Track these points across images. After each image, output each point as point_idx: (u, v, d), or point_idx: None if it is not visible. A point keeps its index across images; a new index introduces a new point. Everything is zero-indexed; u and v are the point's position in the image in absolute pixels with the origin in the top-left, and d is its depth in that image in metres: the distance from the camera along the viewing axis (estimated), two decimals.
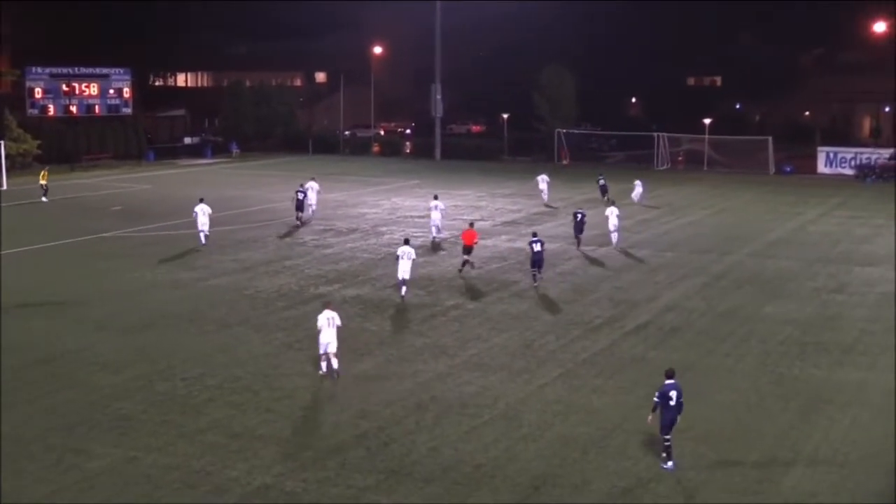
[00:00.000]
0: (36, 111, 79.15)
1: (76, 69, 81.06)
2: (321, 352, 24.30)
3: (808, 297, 33.39)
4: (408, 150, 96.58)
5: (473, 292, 33.79)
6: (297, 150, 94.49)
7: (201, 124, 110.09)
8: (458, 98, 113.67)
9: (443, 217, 44.66)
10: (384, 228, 47.56)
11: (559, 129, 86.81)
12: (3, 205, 54.09)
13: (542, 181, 58.10)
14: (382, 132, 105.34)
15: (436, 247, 42.69)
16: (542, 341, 27.69)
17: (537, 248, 34.68)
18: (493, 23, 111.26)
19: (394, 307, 31.48)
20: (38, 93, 79.11)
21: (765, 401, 22.95)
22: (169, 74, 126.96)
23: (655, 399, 19.04)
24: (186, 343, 27.34)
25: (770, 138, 78.90)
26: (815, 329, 29.24)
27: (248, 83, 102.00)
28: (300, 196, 48.85)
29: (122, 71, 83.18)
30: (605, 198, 55.11)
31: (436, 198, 45.30)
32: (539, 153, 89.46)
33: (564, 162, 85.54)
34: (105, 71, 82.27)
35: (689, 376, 24.30)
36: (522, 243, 43.22)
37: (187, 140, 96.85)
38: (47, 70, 79.81)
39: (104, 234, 45.45)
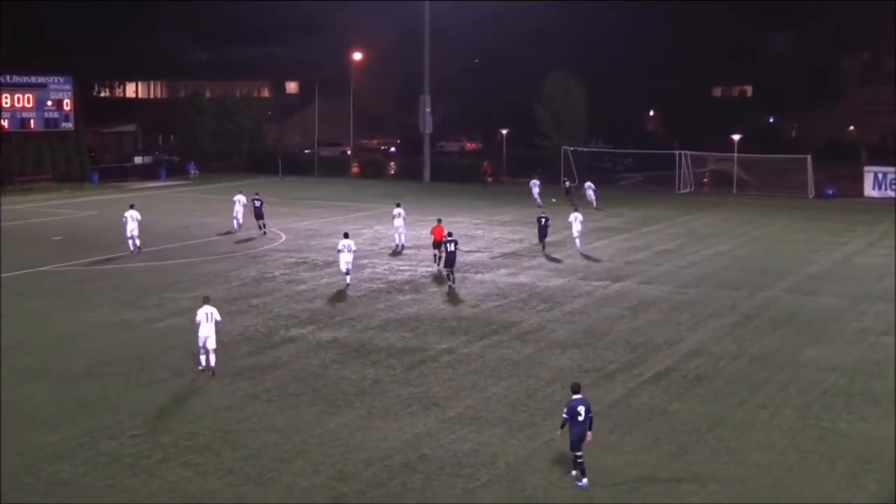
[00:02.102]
0: None
1: (7, 77, 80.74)
2: (199, 345, 28.65)
3: (855, 340, 33.41)
4: (392, 171, 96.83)
5: (469, 334, 33.76)
6: (265, 170, 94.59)
7: (154, 141, 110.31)
8: (450, 111, 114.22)
9: (405, 224, 50.76)
10: (365, 261, 47.53)
11: (565, 147, 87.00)
12: None
13: (535, 186, 59.51)
14: (349, 150, 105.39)
15: (396, 253, 49.32)
16: (547, 391, 27.63)
17: (451, 248, 41.11)
18: (490, 25, 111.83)
19: (376, 351, 31.43)
20: None
21: (806, 460, 22.91)
22: (117, 84, 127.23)
23: (564, 415, 21.21)
24: (136, 394, 27.21)
25: (809, 157, 79.31)
26: (862, 376, 29.23)
27: (208, 94, 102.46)
28: (256, 203, 53.29)
29: (61, 79, 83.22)
30: (569, 198, 65.05)
31: (398, 206, 51.27)
32: (542, 174, 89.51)
33: (489, 179, 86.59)
34: (42, 80, 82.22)
35: (717, 432, 24.30)
36: (526, 278, 43.38)
37: (138, 160, 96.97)
38: None
39: (42, 269, 45.35)
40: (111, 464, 22.33)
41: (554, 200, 69.18)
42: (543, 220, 50.94)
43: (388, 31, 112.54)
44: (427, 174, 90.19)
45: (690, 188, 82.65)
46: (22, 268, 45.14)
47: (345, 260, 41.41)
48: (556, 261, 47.69)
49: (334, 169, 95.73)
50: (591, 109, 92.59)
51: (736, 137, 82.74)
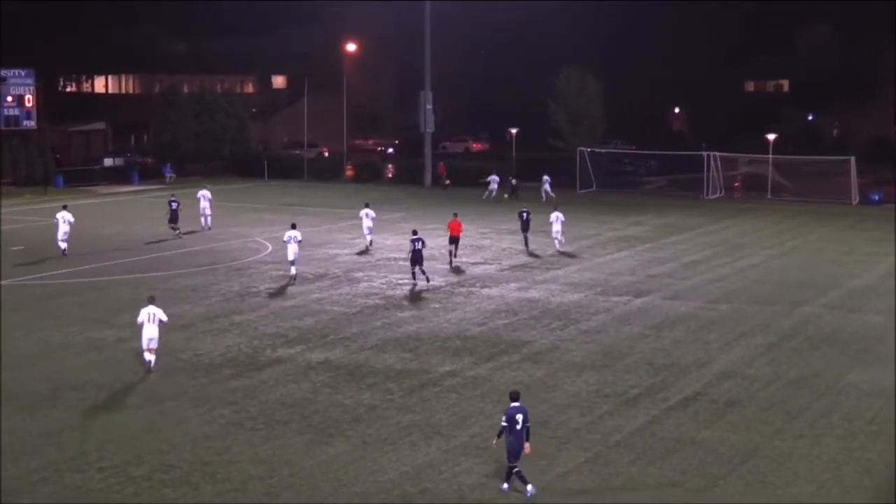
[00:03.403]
0: None
1: None
2: (144, 347, 30.96)
3: None
4: (390, 175, 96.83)
5: (475, 355, 33.74)
6: (248, 174, 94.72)
7: (126, 141, 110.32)
8: (454, 109, 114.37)
9: (373, 224, 55.75)
10: (360, 274, 47.56)
11: (582, 148, 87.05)
12: None
13: (493, 181, 66.93)
14: (327, 153, 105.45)
15: (363, 252, 53.56)
16: (562, 418, 27.60)
17: (418, 246, 44.42)
18: (498, 15, 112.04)
19: (372, 374, 31.41)
20: None
21: (850, 495, 22.86)
22: (85, 78, 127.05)
23: (503, 423, 22.37)
24: (105, 421, 27.18)
25: (853, 158, 79.40)
26: None
27: (186, 89, 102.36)
28: (173, 206, 57.39)
29: (22, 73, 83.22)
30: (515, 196, 76.22)
31: (367, 206, 55.88)
32: (556, 178, 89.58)
33: (447, 182, 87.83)
34: (1, 73, 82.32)
35: (751, 464, 24.26)
36: (538, 292, 43.41)
37: (108, 161, 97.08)
38: None
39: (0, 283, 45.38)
40: (77, 498, 22.30)
41: (506, 196, 76.94)
42: (525, 214, 55.12)
43: (384, 20, 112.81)
44: (428, 177, 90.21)
45: (720, 193, 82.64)
46: None
47: (292, 251, 45.46)
48: (554, 266, 47.71)
49: (326, 172, 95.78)
50: (610, 107, 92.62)
51: (771, 137, 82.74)
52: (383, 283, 45.47)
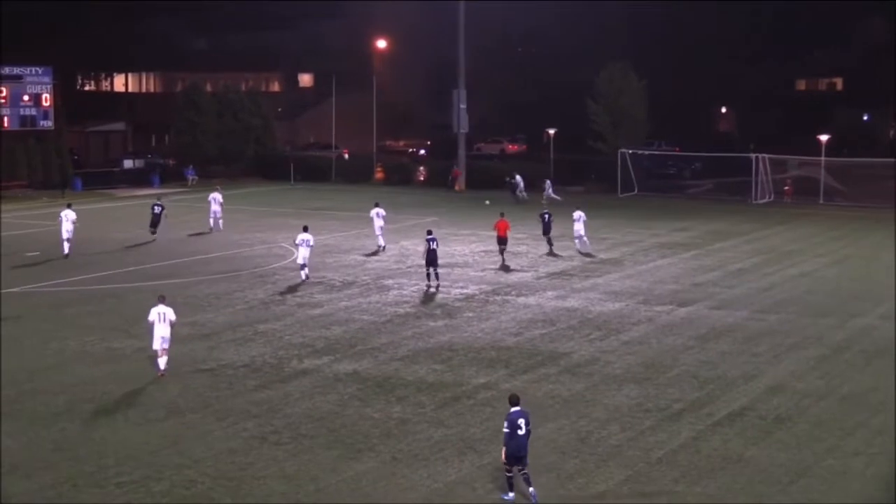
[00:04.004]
0: None
1: None
2: (154, 347, 31.81)
3: None
4: (421, 177, 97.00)
5: (510, 367, 33.72)
6: (274, 176, 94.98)
7: (147, 142, 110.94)
8: (489, 108, 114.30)
9: (385, 223, 56.94)
10: (390, 281, 47.63)
11: (623, 150, 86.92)
12: None
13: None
14: (347, 154, 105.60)
15: (375, 252, 55.14)
16: (602, 433, 27.55)
17: (433, 245, 46.00)
18: (536, 10, 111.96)
19: (403, 386, 31.42)
20: None
21: None
22: (104, 76, 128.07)
23: (505, 430, 22.76)
24: (123, 435, 27.28)
25: None
26: None
27: (209, 88, 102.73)
28: (156, 210, 58.67)
29: (40, 70, 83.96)
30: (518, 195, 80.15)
31: (377, 205, 57.19)
32: (596, 181, 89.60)
33: (457, 188, 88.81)
34: (17, 70, 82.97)
35: (802, 483, 24.13)
36: (576, 301, 43.37)
37: (128, 163, 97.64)
38: None
39: (13, 290, 45.58)
40: None
41: (487, 202, 74.93)
42: (547, 216, 56.20)
43: (415, 14, 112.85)
44: (462, 180, 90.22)
45: (769, 197, 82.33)
46: None
47: (302, 255, 47.10)
48: (593, 274, 47.65)
49: (355, 174, 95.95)
50: (653, 107, 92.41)
51: (823, 138, 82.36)
52: (414, 291, 45.53)
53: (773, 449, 26.45)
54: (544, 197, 78.93)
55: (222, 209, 63.85)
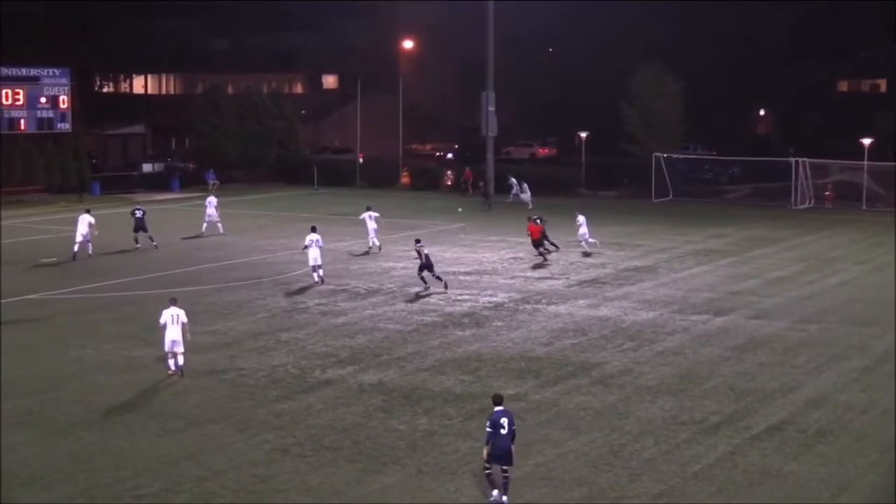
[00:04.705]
0: None
1: None
2: (167, 350, 32.74)
3: None
4: (449, 182, 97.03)
5: (540, 378, 33.68)
6: (297, 180, 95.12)
7: (166, 146, 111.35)
8: (519, 111, 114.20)
9: (378, 226, 58.01)
10: (417, 289, 47.63)
11: (658, 154, 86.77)
12: None
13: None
14: (362, 158, 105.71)
15: (365, 254, 56.70)
16: (635, 447, 27.48)
17: (426, 250, 47.38)
18: (567, 10, 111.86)
19: (429, 398, 31.42)
20: None
21: None
22: (123, 78, 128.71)
23: (488, 429, 23.36)
24: (142, 446, 27.36)
25: None
26: None
27: (230, 90, 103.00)
28: (138, 214, 58.71)
29: (57, 72, 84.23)
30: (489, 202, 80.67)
31: (369, 209, 58.45)
32: (628, 185, 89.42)
33: (470, 192, 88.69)
34: (34, 72, 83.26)
35: (844, 499, 24.05)
36: (609, 310, 43.31)
37: (147, 167, 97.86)
38: None
39: (30, 297, 45.84)
40: None
41: (460, 210, 76.82)
42: (538, 221, 56.56)
43: (443, 15, 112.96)
44: (491, 186, 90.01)
45: (810, 203, 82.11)
46: (7, 296, 45.56)
47: (313, 256, 48.09)
48: (626, 282, 47.55)
49: (380, 179, 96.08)
50: (689, 109, 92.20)
51: (866, 142, 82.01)
52: (441, 299, 45.51)
53: (813, 464, 26.34)
54: (510, 197, 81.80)
55: (218, 212, 65.24)
